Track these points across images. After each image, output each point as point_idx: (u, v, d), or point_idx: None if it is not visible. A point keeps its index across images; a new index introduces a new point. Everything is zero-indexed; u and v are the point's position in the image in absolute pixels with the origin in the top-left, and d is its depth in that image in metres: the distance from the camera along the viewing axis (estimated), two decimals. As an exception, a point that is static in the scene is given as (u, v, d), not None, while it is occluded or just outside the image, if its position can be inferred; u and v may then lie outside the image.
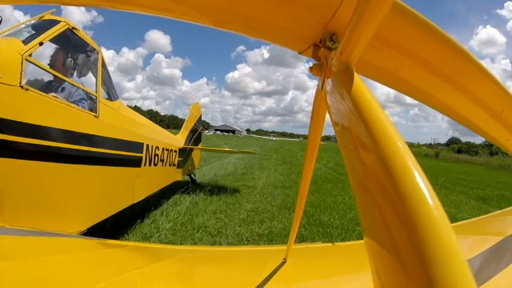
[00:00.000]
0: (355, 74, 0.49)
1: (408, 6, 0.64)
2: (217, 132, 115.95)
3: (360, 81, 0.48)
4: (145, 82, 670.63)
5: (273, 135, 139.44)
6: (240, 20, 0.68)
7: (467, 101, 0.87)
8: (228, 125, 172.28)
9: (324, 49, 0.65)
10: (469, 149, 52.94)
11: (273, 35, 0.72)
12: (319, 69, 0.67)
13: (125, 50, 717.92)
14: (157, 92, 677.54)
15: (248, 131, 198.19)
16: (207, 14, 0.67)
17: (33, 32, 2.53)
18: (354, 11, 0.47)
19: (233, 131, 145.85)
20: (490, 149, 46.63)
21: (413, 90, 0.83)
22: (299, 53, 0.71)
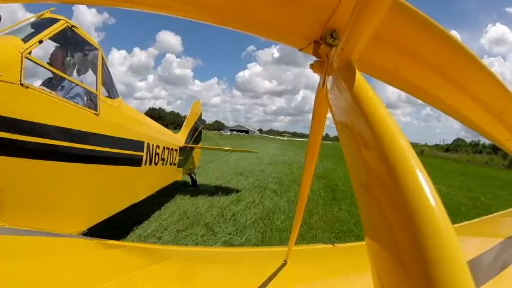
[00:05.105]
0: (357, 70, 0.48)
1: (410, 4, 0.63)
2: (234, 132, 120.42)
3: (361, 78, 0.47)
4: (156, 82, 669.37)
5: (287, 135, 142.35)
6: (241, 17, 0.67)
7: (469, 100, 0.86)
8: (241, 125, 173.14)
9: (324, 46, 0.64)
10: (454, 148, 58.07)
11: (273, 32, 0.72)
12: (320, 66, 0.66)
13: (136, 50, 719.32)
14: (168, 92, 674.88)
15: (260, 131, 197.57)
16: (208, 11, 0.67)
17: (33, 30, 2.52)
18: (355, 7, 0.46)
19: (247, 131, 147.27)
20: (476, 148, 51.90)
21: (415, 88, 0.82)
22: (300, 50, 0.70)
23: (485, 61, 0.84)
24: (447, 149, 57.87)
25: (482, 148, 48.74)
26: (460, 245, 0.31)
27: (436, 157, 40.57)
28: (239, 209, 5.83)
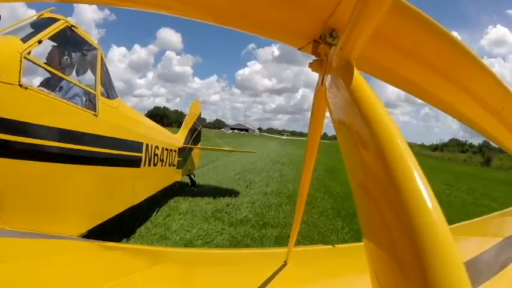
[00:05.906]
0: (355, 69, 0.48)
1: (409, 3, 0.63)
2: (235, 130, 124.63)
3: (360, 77, 0.47)
4: (156, 79, 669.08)
5: (286, 134, 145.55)
6: (240, 16, 0.67)
7: (468, 98, 0.86)
8: (241, 123, 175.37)
9: (324, 45, 0.64)
10: (441, 147, 63.63)
11: (273, 32, 0.72)
12: (319, 65, 0.66)
13: (136, 47, 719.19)
14: (168, 89, 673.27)
15: (260, 129, 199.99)
16: (207, 11, 0.67)
17: (32, 30, 2.51)
18: (355, 6, 0.46)
19: (246, 130, 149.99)
20: (462, 147, 58.62)
21: (414, 87, 0.82)
22: (299, 49, 0.70)
23: (485, 62, 0.84)
24: (435, 148, 62.73)
25: (469, 148, 55.67)
26: (455, 244, 0.32)
27: (421, 155, 44.54)
28: (265, 164, 14.18)
